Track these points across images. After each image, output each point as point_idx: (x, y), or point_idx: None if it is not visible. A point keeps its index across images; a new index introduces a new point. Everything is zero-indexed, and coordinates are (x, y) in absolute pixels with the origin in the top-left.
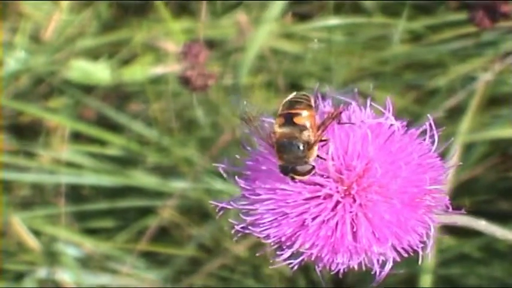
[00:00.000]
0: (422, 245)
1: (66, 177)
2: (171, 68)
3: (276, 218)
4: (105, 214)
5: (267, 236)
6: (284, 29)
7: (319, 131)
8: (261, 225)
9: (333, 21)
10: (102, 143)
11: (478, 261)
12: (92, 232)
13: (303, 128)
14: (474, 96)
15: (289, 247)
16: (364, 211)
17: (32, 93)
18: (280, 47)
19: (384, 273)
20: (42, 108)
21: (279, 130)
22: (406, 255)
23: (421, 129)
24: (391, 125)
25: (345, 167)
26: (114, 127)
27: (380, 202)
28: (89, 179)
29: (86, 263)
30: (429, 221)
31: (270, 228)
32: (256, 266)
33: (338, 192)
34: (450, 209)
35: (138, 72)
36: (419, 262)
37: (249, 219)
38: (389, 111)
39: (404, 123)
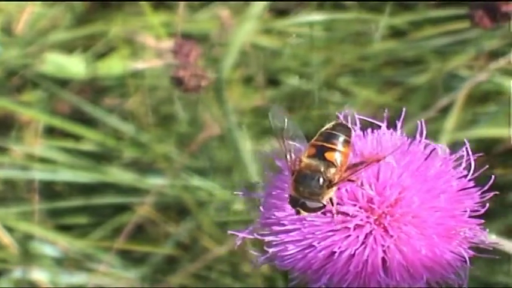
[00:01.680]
0: (456, 278)
1: (39, 173)
2: (150, 62)
3: (301, 250)
4: (80, 211)
5: (292, 269)
6: (263, 25)
7: (347, 173)
8: (285, 258)
9: (315, 16)
10: (76, 138)
11: None
12: (66, 229)
13: (331, 164)
14: (459, 97)
15: (315, 281)
16: (397, 244)
17: (4, 86)
18: (259, 42)
19: None
20: (15, 102)
21: (305, 160)
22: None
23: (457, 155)
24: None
25: (376, 196)
26: (89, 122)
27: (415, 234)
28: (63, 175)
29: (61, 261)
30: (464, 254)
31: (294, 260)
32: (234, 265)
33: (369, 222)
34: (487, 242)
35: (115, 66)
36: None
37: (272, 250)
38: (422, 134)
39: (438, 146)
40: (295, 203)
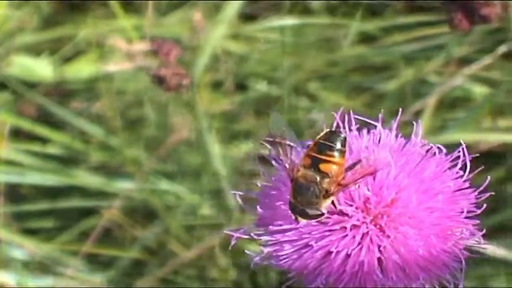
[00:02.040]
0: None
1: (5, 176)
2: (121, 65)
3: (297, 249)
4: (46, 214)
5: (288, 269)
6: (232, 30)
7: (342, 185)
8: (281, 257)
9: (284, 21)
10: (43, 141)
11: None
12: (32, 233)
13: (326, 175)
14: (429, 103)
15: (311, 282)
16: (394, 244)
17: None
18: (227, 48)
19: None
20: None
21: (302, 170)
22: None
23: (453, 156)
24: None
25: (373, 196)
26: (56, 125)
27: (411, 235)
28: (29, 177)
29: (28, 264)
30: (460, 255)
31: (290, 260)
32: (201, 269)
33: (365, 223)
34: (482, 242)
35: (83, 69)
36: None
37: (267, 250)
38: (418, 134)
39: (434, 147)
40: (294, 209)
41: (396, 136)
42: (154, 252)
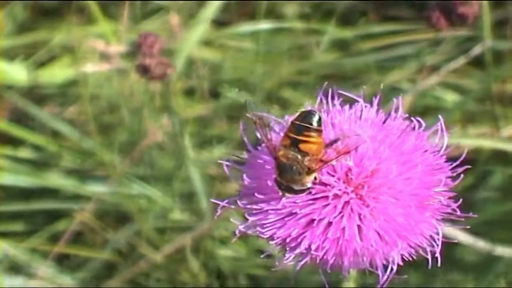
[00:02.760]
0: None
1: None
2: (99, 66)
3: (281, 218)
4: (17, 217)
5: (271, 237)
6: (207, 36)
7: (323, 162)
8: (265, 226)
9: (259, 25)
10: (16, 143)
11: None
12: (2, 235)
13: (306, 154)
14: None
15: (293, 249)
16: (374, 213)
17: None
18: (201, 55)
19: (388, 278)
20: None
21: (282, 150)
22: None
23: (432, 130)
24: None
25: (354, 167)
26: (29, 128)
27: (391, 204)
28: (2, 179)
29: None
30: (437, 225)
31: (274, 228)
32: (171, 272)
33: (346, 193)
34: (458, 212)
35: (57, 74)
36: (429, 266)
37: (252, 219)
38: (398, 109)
39: (414, 121)
40: (280, 186)
41: (377, 111)
42: (125, 254)
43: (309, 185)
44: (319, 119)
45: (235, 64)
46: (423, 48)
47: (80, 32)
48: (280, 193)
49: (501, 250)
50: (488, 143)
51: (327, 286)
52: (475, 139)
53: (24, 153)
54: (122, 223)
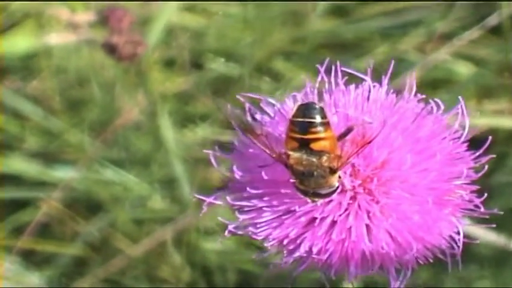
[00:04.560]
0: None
1: None
2: (63, 37)
3: (278, 216)
4: None
5: (266, 238)
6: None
7: (344, 158)
8: (258, 225)
9: None
10: None
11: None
12: None
13: (321, 153)
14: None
15: (292, 252)
16: (385, 210)
17: None
18: (181, 21)
19: (402, 285)
20: None
21: (293, 154)
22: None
23: (450, 114)
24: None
25: (361, 157)
26: None
27: (404, 200)
28: None
29: None
30: (457, 223)
31: (269, 228)
32: (150, 268)
33: (353, 187)
34: (482, 209)
35: (19, 43)
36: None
37: (243, 217)
38: (411, 90)
39: (432, 103)
40: (306, 194)
41: (387, 92)
42: (98, 249)
43: (337, 184)
44: (322, 109)
45: (221, 32)
46: (433, 13)
47: None
48: (309, 200)
49: None
50: (507, 121)
51: (327, 286)
52: (492, 117)
53: None
54: (93, 213)
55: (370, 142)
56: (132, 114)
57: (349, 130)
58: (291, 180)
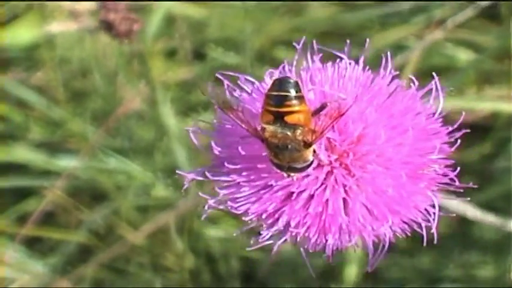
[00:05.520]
0: (424, 223)
1: None
2: (65, 25)
3: (256, 191)
4: None
5: (245, 213)
6: None
7: (319, 132)
8: (237, 200)
9: None
10: None
11: (403, 252)
12: None
13: (296, 126)
14: (407, 66)
15: (271, 226)
16: (361, 184)
17: None
18: (183, 11)
19: (380, 256)
20: None
21: (268, 127)
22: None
23: (425, 90)
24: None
25: (337, 133)
26: None
27: (379, 174)
28: None
29: None
30: (433, 197)
31: (248, 203)
32: (154, 256)
33: (330, 161)
34: (457, 183)
35: (22, 34)
36: (424, 243)
37: (223, 192)
38: (386, 67)
39: (402, 81)
40: (281, 168)
41: (363, 69)
42: (102, 236)
43: (311, 158)
44: (296, 83)
45: (222, 21)
46: (431, 0)
47: None
48: (285, 175)
49: None
50: (507, 107)
51: (310, 270)
52: (492, 102)
53: None
54: (97, 201)
55: (342, 115)
56: (134, 104)
57: (323, 106)
58: (266, 155)
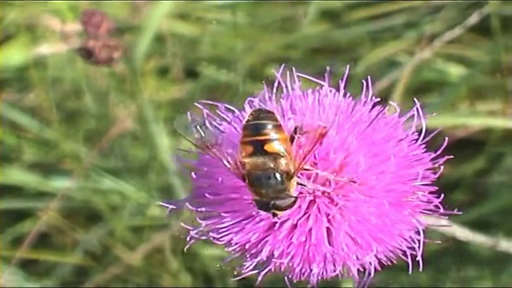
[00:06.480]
0: (409, 251)
1: None
2: (55, 47)
3: (239, 221)
4: None
5: (228, 243)
6: (179, 9)
7: (300, 160)
8: (220, 231)
9: None
10: None
11: (401, 269)
12: None
13: (277, 156)
14: (398, 83)
15: (254, 256)
16: (344, 213)
17: None
18: (175, 29)
19: (366, 285)
20: None
21: (248, 160)
22: (389, 262)
23: (407, 116)
24: (370, 110)
25: (319, 161)
26: None
27: (362, 202)
28: None
29: None
30: (417, 224)
31: (230, 233)
32: (151, 277)
33: (312, 191)
34: (441, 210)
35: (14, 55)
36: (409, 271)
37: (205, 223)
38: (368, 94)
39: (384, 108)
40: (265, 207)
41: (344, 95)
42: (98, 257)
43: (295, 194)
44: (272, 113)
45: (214, 39)
46: (421, 16)
47: (36, 8)
48: (270, 215)
49: (507, 245)
50: (499, 122)
51: None
52: (485, 118)
53: None
54: (92, 222)
55: (323, 138)
56: (127, 123)
57: (296, 129)
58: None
